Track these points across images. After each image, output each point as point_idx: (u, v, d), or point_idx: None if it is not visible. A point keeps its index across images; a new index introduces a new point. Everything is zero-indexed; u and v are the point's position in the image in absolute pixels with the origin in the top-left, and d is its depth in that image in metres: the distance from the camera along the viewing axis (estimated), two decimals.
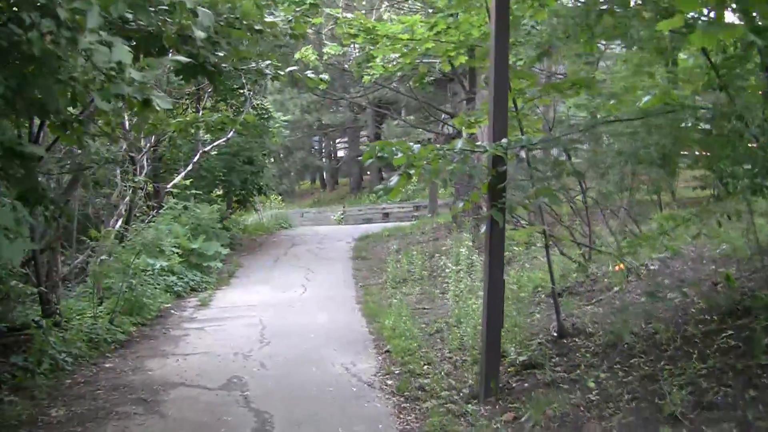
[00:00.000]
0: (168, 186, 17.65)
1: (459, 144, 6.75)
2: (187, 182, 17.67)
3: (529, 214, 11.51)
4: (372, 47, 16.52)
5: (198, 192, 18.98)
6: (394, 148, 6.53)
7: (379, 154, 6.51)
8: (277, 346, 10.15)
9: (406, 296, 13.35)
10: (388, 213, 32.48)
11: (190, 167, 17.96)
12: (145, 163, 16.87)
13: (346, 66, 22.54)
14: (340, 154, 54.05)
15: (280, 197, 37.96)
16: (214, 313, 12.71)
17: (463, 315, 10.37)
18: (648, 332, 7.76)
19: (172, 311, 12.90)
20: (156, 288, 13.45)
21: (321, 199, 45.86)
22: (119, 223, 13.93)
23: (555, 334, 8.64)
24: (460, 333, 9.76)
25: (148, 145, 15.77)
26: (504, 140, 6.81)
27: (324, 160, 52.21)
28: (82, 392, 8.08)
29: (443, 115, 25.08)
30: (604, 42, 9.72)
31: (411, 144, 6.70)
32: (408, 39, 9.39)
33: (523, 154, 7.57)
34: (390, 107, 33.38)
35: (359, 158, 45.54)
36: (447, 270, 13.02)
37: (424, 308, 12.38)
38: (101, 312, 11.07)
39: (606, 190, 9.98)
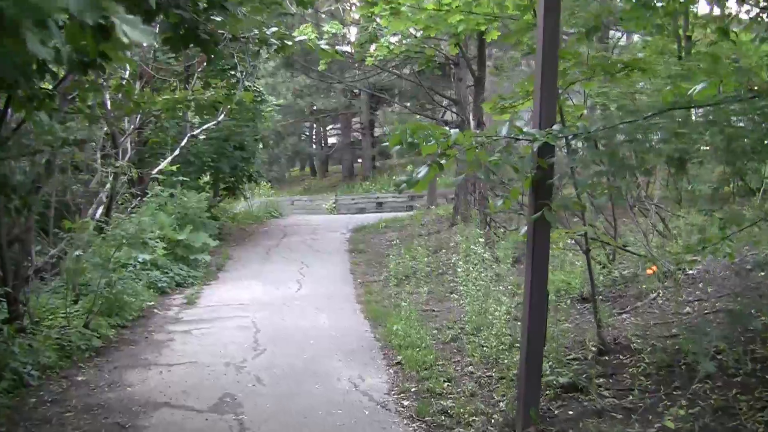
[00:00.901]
0: (153, 172, 16.44)
1: (503, 130, 5.62)
2: (174, 168, 16.47)
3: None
4: (379, 26, 15.43)
5: (185, 179, 17.81)
6: (426, 132, 5.41)
7: (409, 140, 5.39)
8: (274, 355, 9.02)
9: (411, 295, 12.26)
10: (381, 202, 31.39)
11: (177, 152, 16.76)
12: (128, 146, 15.70)
13: (346, 47, 21.35)
14: (331, 140, 52.86)
15: (269, 184, 36.76)
16: (201, 313, 11.57)
17: (481, 322, 9.29)
18: (706, 351, 6.68)
19: (156, 310, 11.74)
20: (138, 284, 12.32)
21: (312, 186, 44.60)
22: (99, 212, 12.78)
23: (594, 350, 7.55)
24: (479, 343, 8.69)
25: (132, 127, 14.56)
26: (556, 126, 5.69)
27: (314, 146, 50.94)
28: (49, 414, 6.90)
29: (444, 101, 23.87)
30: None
31: (447, 128, 5.59)
32: (434, 9, 8.27)
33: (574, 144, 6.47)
34: (385, 93, 32.13)
35: (352, 145, 44.61)
36: (458, 269, 11.92)
37: (433, 310, 11.31)
38: (77, 312, 9.95)
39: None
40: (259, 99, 21.38)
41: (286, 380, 7.98)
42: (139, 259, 12.71)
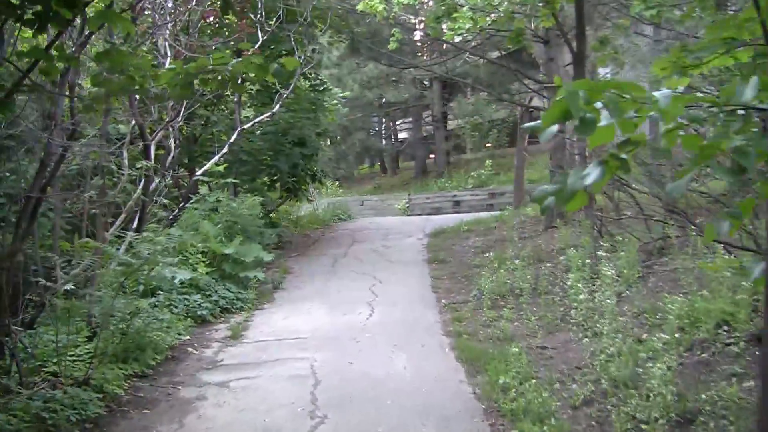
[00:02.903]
0: (198, 173, 14.06)
1: (747, 92, 2.97)
2: (221, 168, 14.04)
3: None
4: None
5: (236, 180, 15.37)
6: (614, 97, 2.78)
7: (583, 114, 2.76)
8: (338, 429, 6.47)
9: (512, 324, 9.66)
10: (459, 201, 28.66)
11: (225, 149, 14.37)
12: (171, 144, 13.37)
13: (417, 24, 18.65)
14: (402, 135, 50.20)
15: (337, 183, 34.36)
16: (247, 353, 9.06)
17: (621, 375, 6.65)
18: None
19: (190, 349, 9.27)
20: (172, 312, 9.95)
21: (382, 184, 41.88)
22: (143, 222, 10.49)
23: None
24: (630, 413, 6.01)
25: (168, 119, 12.18)
26: None
27: (384, 142, 48.18)
28: None
29: (527, 87, 20.91)
30: None
31: (646, 90, 2.95)
32: None
33: None
34: (460, 80, 29.26)
35: (425, 140, 41.86)
36: (575, 291, 9.26)
37: (545, 348, 8.66)
38: (83, 357, 7.59)
39: None
40: (321, 88, 18.89)
41: None
42: (176, 281, 10.33)
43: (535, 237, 15.62)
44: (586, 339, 8.41)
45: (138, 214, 10.99)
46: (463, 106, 32.83)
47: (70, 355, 7.56)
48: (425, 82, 37.03)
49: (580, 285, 9.30)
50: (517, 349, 7.84)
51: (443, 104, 36.97)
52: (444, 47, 26.69)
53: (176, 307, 10.28)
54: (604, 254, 10.23)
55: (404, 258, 15.84)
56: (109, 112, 8.86)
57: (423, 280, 13.49)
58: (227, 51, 13.93)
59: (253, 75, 5.47)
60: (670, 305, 8.30)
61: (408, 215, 27.92)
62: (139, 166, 10.17)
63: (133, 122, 11.04)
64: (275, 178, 17.96)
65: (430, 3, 19.24)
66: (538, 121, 2.96)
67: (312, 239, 19.42)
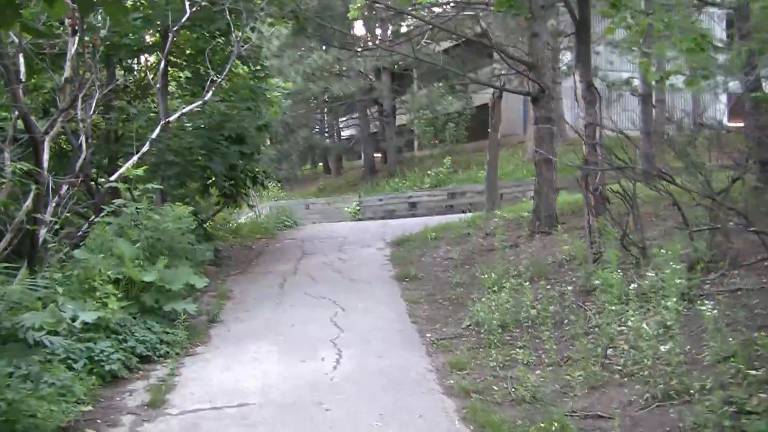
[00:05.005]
0: (112, 178, 11.24)
1: None
2: (139, 171, 11.18)
3: None
4: None
5: (161, 186, 12.45)
6: None
7: None
8: None
9: (533, 371, 7.15)
10: (415, 203, 26.13)
11: (146, 147, 11.58)
12: (84, 143, 10.63)
13: None
14: (345, 133, 47.44)
15: (278, 185, 31.38)
16: None
17: None
18: None
19: (88, 430, 6.49)
20: (71, 368, 7.20)
21: (327, 186, 39.23)
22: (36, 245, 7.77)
23: None
24: None
25: (62, 107, 9.39)
26: None
27: (328, 140, 45.19)
28: None
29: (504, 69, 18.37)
30: None
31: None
32: None
33: None
34: (411, 70, 26.45)
35: (374, 136, 39.16)
36: (629, 327, 6.78)
37: (598, 417, 6.08)
38: None
39: None
40: (260, 74, 16.10)
41: None
42: (76, 323, 7.57)
43: (523, 246, 13.08)
44: (660, 403, 5.94)
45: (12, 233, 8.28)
46: (417, 99, 30.20)
47: None
48: (371, 77, 34.34)
49: (632, 319, 6.80)
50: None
51: (393, 97, 34.34)
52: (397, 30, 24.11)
53: (76, 362, 7.49)
54: (644, 272, 7.75)
55: (366, 275, 13.16)
56: None
57: (396, 305, 10.87)
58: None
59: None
60: None
61: (360, 219, 25.35)
62: (11, 169, 7.39)
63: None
64: (209, 181, 15.07)
65: None
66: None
67: (255, 252, 16.63)
